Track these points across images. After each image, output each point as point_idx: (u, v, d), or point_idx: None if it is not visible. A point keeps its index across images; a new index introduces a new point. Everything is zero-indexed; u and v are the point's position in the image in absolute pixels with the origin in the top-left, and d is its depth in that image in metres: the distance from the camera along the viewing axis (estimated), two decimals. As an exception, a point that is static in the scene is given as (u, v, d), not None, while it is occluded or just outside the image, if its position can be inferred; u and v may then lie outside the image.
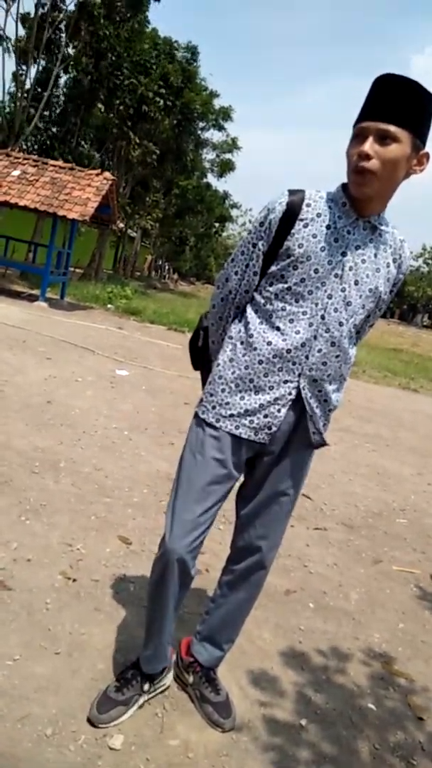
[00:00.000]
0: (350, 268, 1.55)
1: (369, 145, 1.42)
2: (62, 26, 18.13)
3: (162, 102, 20.00)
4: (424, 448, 6.48)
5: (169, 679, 1.92)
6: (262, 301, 1.61)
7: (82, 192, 11.77)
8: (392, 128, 1.41)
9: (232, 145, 29.28)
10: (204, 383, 1.85)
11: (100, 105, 19.16)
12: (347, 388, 8.50)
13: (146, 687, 1.83)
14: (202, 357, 1.89)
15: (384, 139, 1.42)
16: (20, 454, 3.60)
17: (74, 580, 2.40)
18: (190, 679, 1.93)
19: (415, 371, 13.87)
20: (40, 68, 18.19)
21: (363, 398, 8.91)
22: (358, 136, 1.45)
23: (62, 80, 19.93)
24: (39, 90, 18.55)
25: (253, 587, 1.86)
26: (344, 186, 1.56)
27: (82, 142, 20.42)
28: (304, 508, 3.83)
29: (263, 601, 2.55)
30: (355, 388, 9.77)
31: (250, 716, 1.90)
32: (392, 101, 1.41)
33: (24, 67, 17.64)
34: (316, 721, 1.94)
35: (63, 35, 18.27)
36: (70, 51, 18.79)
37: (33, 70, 18.14)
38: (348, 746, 1.86)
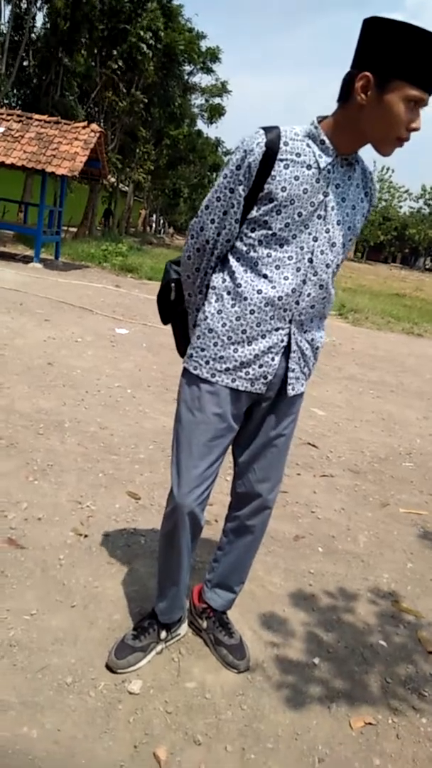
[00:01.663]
0: (332, 208, 1.51)
1: (421, 121, 1.40)
2: None
3: (145, 47, 19.14)
4: (429, 392, 6.48)
5: (184, 627, 1.97)
6: (245, 248, 1.55)
7: (69, 146, 11.42)
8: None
9: (222, 89, 28.33)
10: (177, 336, 1.84)
11: (82, 51, 18.32)
12: (351, 335, 8.50)
13: (163, 635, 1.88)
14: (175, 310, 1.81)
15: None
16: (24, 417, 3.61)
17: (86, 536, 2.44)
18: (204, 624, 1.98)
19: (418, 316, 13.73)
20: (12, 10, 17.12)
21: (367, 345, 8.87)
22: (412, 103, 1.37)
23: (38, 24, 18.98)
24: (16, 38, 17.76)
25: (258, 529, 1.88)
26: (319, 120, 1.49)
27: (66, 94, 19.62)
28: (311, 456, 3.85)
29: (272, 547, 2.60)
30: (359, 335, 9.72)
31: (264, 657, 1.95)
32: None
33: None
34: (328, 659, 2.00)
35: None
36: None
37: (6, 13, 17.24)
38: (360, 681, 1.92)
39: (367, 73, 1.37)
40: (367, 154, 1.64)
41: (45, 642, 1.83)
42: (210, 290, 1.63)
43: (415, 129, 1.40)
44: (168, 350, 6.22)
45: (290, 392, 1.66)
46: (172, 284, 1.78)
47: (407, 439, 4.60)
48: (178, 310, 1.81)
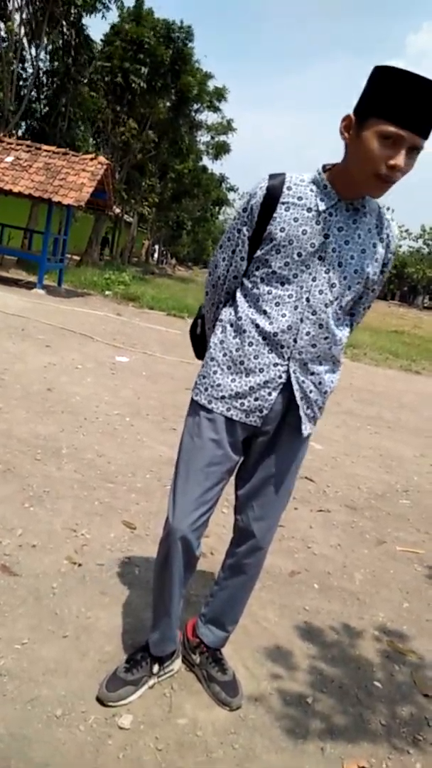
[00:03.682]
0: (333, 250, 1.54)
1: (403, 159, 1.38)
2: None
3: (144, 71, 19.61)
4: (427, 429, 6.49)
5: (177, 663, 1.94)
6: (250, 285, 1.62)
7: (77, 177, 11.65)
8: (424, 144, 1.39)
9: (227, 127, 29.03)
10: None
11: (85, 81, 18.77)
12: (349, 371, 8.52)
13: (155, 669, 1.85)
14: (203, 345, 1.91)
15: (412, 150, 1.39)
16: (22, 442, 3.60)
17: (80, 565, 2.42)
18: (197, 659, 1.95)
19: (416, 353, 13.85)
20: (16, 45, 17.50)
21: (365, 381, 8.91)
22: (388, 140, 1.37)
23: (43, 56, 19.48)
24: (23, 72, 18.22)
25: (252, 569, 1.87)
26: (325, 168, 1.55)
27: (74, 126, 20.10)
28: (307, 490, 3.84)
29: (268, 582, 2.57)
30: (357, 371, 9.77)
31: (257, 695, 1.92)
32: (428, 113, 1.35)
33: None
34: (322, 698, 1.96)
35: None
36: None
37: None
38: (355, 723, 1.88)
39: (350, 114, 1.44)
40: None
41: (36, 672, 1.80)
42: (217, 323, 1.71)
43: (395, 166, 1.38)
44: (168, 379, 6.25)
45: (287, 432, 1.68)
46: (199, 320, 1.91)
47: (404, 476, 4.60)
48: (205, 344, 1.89)
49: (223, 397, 1.64)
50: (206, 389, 1.67)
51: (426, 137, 1.38)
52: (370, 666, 2.18)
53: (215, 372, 1.65)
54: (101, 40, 19.47)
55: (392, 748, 1.81)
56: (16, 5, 16.67)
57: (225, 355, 1.64)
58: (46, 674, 1.80)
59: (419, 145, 1.38)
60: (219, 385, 1.64)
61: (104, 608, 2.18)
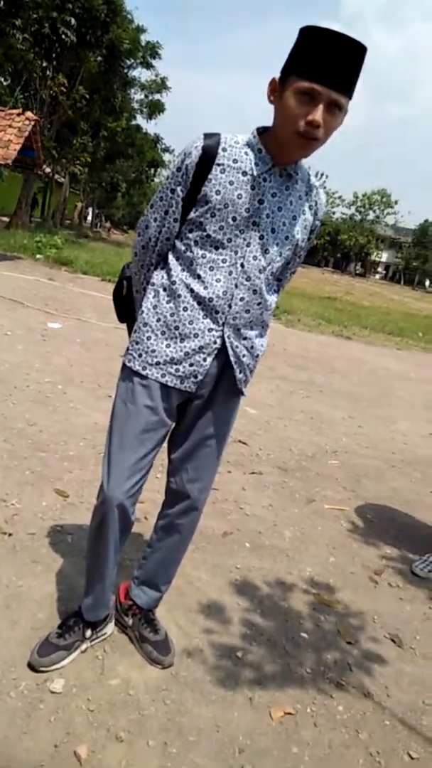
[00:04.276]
0: (267, 216, 1.54)
1: (321, 114, 1.36)
2: None
3: (74, 23, 18.65)
4: (356, 392, 6.72)
5: (110, 627, 1.96)
6: (183, 248, 1.59)
7: (2, 134, 11.09)
8: (343, 99, 1.38)
9: (161, 85, 28.13)
10: (130, 333, 1.83)
11: (15, 32, 17.67)
12: (283, 336, 8.66)
13: (88, 634, 1.86)
14: (127, 307, 1.86)
15: (332, 106, 1.38)
16: None
17: (10, 535, 2.39)
18: (130, 621, 1.98)
19: (348, 319, 14.21)
20: None
21: (298, 347, 9.07)
22: (306, 96, 1.36)
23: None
24: None
25: (186, 529, 1.90)
26: (259, 131, 1.53)
27: (1, 79, 19.00)
28: (241, 453, 3.92)
29: (201, 543, 2.63)
30: (291, 337, 9.93)
31: (190, 650, 1.98)
32: (344, 68, 1.34)
33: None
34: (251, 652, 2.04)
35: None
36: None
37: None
38: (281, 673, 1.98)
39: (275, 78, 1.44)
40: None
41: (-36, 644, 1.78)
42: (149, 286, 1.67)
43: (313, 122, 1.37)
44: (102, 346, 6.15)
45: (221, 395, 1.69)
46: (125, 281, 1.84)
47: (333, 438, 4.76)
48: (131, 308, 1.83)
49: (158, 363, 1.62)
50: (140, 355, 1.64)
51: (346, 93, 1.38)
52: (298, 618, 2.29)
53: (149, 338, 1.63)
54: None
55: (317, 693, 1.91)
56: None
57: (159, 320, 1.61)
58: (-24, 645, 1.79)
59: (338, 100, 1.37)
60: (153, 351, 1.62)
61: (36, 576, 2.17)
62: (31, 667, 1.74)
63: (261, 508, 3.18)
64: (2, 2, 16.79)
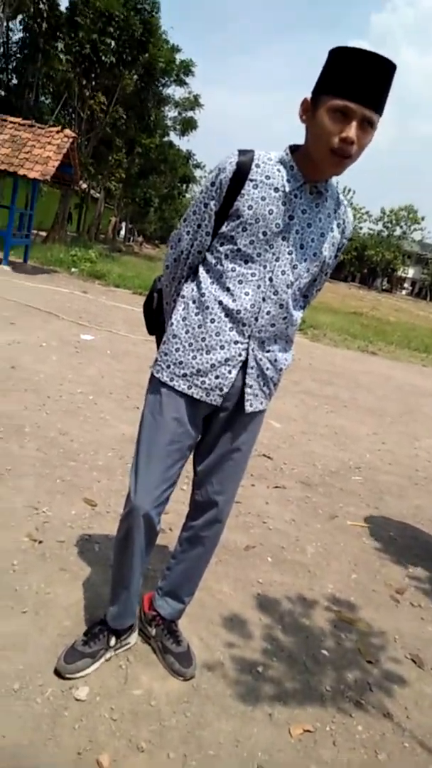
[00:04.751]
0: (297, 232, 1.58)
1: (354, 131, 1.41)
2: None
3: (114, 45, 19.14)
4: (380, 408, 6.68)
5: (134, 637, 2.00)
6: (213, 261, 1.63)
7: (42, 150, 11.38)
8: (376, 117, 1.43)
9: (194, 103, 28.60)
10: (159, 346, 1.87)
11: (59, 54, 18.26)
12: (309, 351, 8.63)
13: (113, 642, 1.90)
14: (157, 320, 1.91)
15: (364, 123, 1.42)
16: (-17, 421, 3.59)
17: (40, 542, 2.45)
18: (153, 631, 2.01)
19: (373, 334, 14.13)
20: None
21: (323, 361, 9.06)
22: (339, 113, 1.41)
23: (17, 24, 18.87)
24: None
25: (210, 541, 1.93)
26: (292, 149, 1.57)
27: (42, 99, 19.61)
28: (265, 467, 3.94)
29: (223, 556, 2.66)
30: (316, 351, 9.92)
31: (211, 664, 2.00)
32: (377, 86, 1.39)
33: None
34: (272, 667, 2.06)
35: None
36: None
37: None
38: (302, 689, 1.99)
39: (306, 98, 1.48)
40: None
41: (-7, 647, 1.84)
42: (179, 299, 1.71)
43: (347, 138, 1.41)
44: (132, 358, 6.25)
45: (248, 408, 1.71)
46: (155, 294, 1.88)
47: (357, 454, 4.74)
48: (160, 320, 1.88)
49: (184, 375, 1.66)
50: (168, 366, 1.69)
51: (377, 110, 1.42)
52: (319, 635, 2.29)
53: (177, 349, 1.67)
54: (66, 8, 18.85)
55: (336, 712, 1.92)
56: None
57: (187, 332, 1.65)
58: (5, 649, 1.84)
59: (370, 117, 1.42)
60: (181, 362, 1.66)
61: (64, 584, 2.23)
62: (57, 673, 1.79)
63: (284, 522, 3.20)
64: (45, 25, 17.34)
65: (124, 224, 42.28)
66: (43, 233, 20.84)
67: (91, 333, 7.10)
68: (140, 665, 1.94)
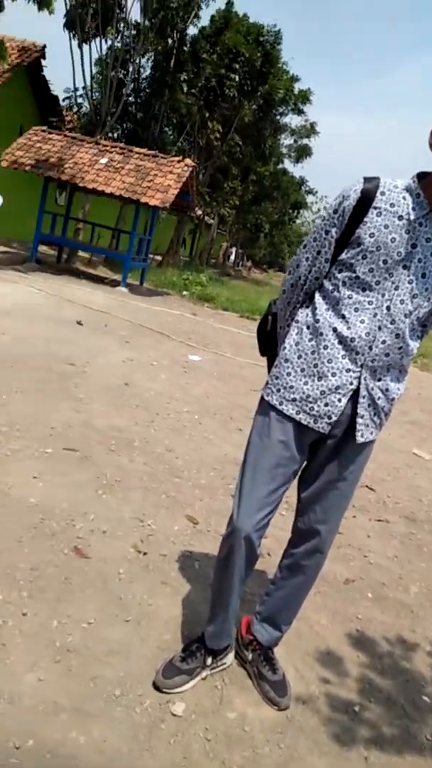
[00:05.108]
0: (419, 260, 1.55)
1: None
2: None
3: (237, 78, 19.78)
4: None
5: (230, 658, 2.02)
6: (330, 287, 1.63)
7: (164, 179, 11.98)
8: None
9: (311, 130, 28.77)
10: (270, 368, 1.90)
11: (182, 86, 19.17)
12: (418, 380, 8.26)
13: (209, 661, 1.93)
14: (270, 342, 1.92)
15: None
16: (99, 432, 3.80)
17: (144, 554, 2.55)
18: (249, 656, 2.02)
19: None
20: (110, 49, 17.89)
21: (436, 393, 8.66)
22: None
23: (144, 61, 20.06)
24: (123, 75, 18.85)
25: (311, 571, 1.91)
26: (419, 176, 1.55)
27: (166, 129, 20.71)
28: (367, 499, 3.82)
29: (322, 587, 2.61)
30: (426, 381, 9.50)
31: (306, 697, 1.97)
32: None
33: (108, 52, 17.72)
34: (369, 707, 1.99)
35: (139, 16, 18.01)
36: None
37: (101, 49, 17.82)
38: (400, 735, 1.90)
39: None
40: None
41: (99, 652, 1.93)
42: (293, 323, 1.72)
43: None
44: (237, 380, 6.35)
45: (359, 439, 1.69)
46: (270, 317, 1.91)
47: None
48: (273, 343, 1.91)
49: (294, 400, 1.67)
50: (278, 390, 1.71)
51: None
52: (420, 679, 2.18)
53: (288, 374, 1.68)
54: (189, 42, 19.77)
55: (437, 766, 1.81)
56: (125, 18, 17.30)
57: (300, 357, 1.66)
58: (109, 655, 1.93)
59: None
60: (291, 387, 1.68)
61: (165, 597, 2.29)
62: (156, 686, 1.84)
63: (386, 558, 3.08)
64: (172, 61, 18.34)
65: (234, 249, 43.18)
66: (159, 257, 21.80)
67: (199, 354, 7.30)
68: (235, 688, 1.94)
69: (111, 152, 12.69)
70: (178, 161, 12.42)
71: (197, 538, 2.82)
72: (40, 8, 9.94)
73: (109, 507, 2.88)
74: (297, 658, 2.15)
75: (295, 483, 1.87)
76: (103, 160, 12.32)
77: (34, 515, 2.63)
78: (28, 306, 7.70)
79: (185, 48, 18.60)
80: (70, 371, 5.06)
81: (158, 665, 1.90)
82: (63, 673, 1.81)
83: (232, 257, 43.84)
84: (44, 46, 15.76)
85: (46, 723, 1.62)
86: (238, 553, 1.75)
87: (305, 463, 1.83)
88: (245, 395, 5.70)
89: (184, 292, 14.01)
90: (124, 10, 17.06)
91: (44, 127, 13.63)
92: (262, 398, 1.77)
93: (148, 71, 20.35)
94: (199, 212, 24.53)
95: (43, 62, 16.22)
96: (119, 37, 17.38)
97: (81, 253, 15.51)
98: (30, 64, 15.48)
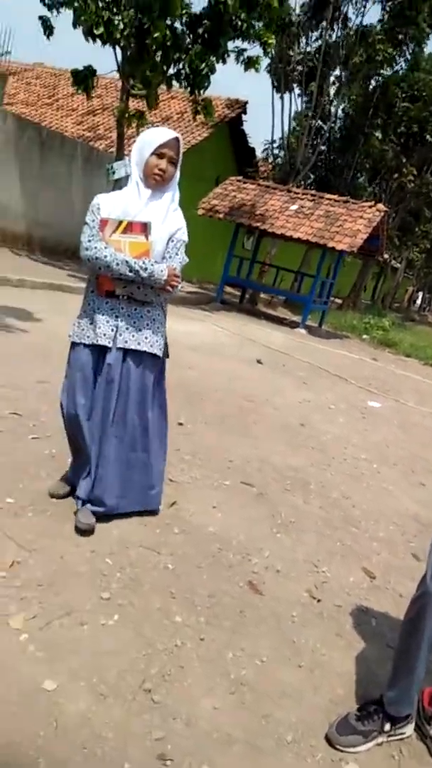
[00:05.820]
0: None
1: None
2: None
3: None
4: None
5: (410, 728, 1.87)
6: None
7: (353, 224, 12.00)
8: None
9: None
10: None
11: (377, 134, 19.23)
12: None
13: (387, 727, 1.81)
14: None
15: None
16: (275, 470, 3.83)
17: (318, 601, 2.48)
18: (431, 731, 1.85)
19: None
20: (309, 100, 18.57)
21: None
22: None
23: (338, 110, 20.49)
24: (319, 125, 19.45)
25: None
26: None
27: (359, 175, 20.84)
28: None
29: None
30: None
31: None
32: None
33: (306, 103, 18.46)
34: None
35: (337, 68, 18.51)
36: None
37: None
38: None
39: None
40: None
41: (272, 692, 1.90)
42: None
43: None
44: (420, 430, 6.01)
45: None
46: None
47: None
48: None
49: None
50: None
51: None
52: None
53: None
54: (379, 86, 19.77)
55: None
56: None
57: None
58: (281, 697, 1.89)
59: None
60: None
61: (339, 650, 2.20)
62: (329, 741, 1.76)
63: None
64: (371, 110, 18.56)
65: (421, 293, 41.53)
66: (339, 300, 21.74)
67: (379, 400, 7.06)
68: (414, 763, 1.79)
69: (302, 199, 13.08)
70: (370, 206, 12.37)
71: (374, 594, 2.68)
72: (246, 68, 10.69)
73: (284, 546, 2.87)
74: None
75: None
76: (294, 207, 12.72)
77: (213, 544, 2.71)
78: (214, 344, 8.12)
79: (385, 95, 18.68)
80: (249, 407, 5.20)
81: (331, 719, 1.82)
82: (237, 705, 1.81)
83: (418, 301, 42.16)
84: (246, 103, 16.88)
85: (222, 752, 1.63)
86: (428, 617, 1.65)
87: None
88: (428, 447, 5.37)
89: (365, 336, 13.75)
90: (329, 67, 17.71)
91: (239, 177, 14.50)
92: None
93: (343, 119, 20.75)
94: (386, 256, 24.09)
95: (244, 117, 17.38)
96: (320, 91, 18.04)
97: (262, 295, 16.05)
98: (232, 119, 16.67)
